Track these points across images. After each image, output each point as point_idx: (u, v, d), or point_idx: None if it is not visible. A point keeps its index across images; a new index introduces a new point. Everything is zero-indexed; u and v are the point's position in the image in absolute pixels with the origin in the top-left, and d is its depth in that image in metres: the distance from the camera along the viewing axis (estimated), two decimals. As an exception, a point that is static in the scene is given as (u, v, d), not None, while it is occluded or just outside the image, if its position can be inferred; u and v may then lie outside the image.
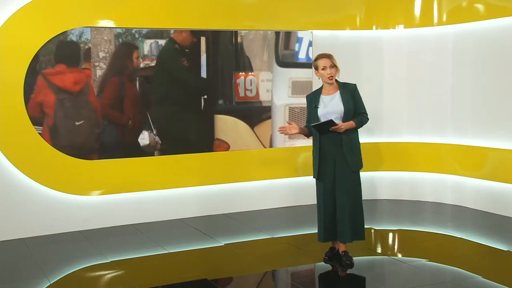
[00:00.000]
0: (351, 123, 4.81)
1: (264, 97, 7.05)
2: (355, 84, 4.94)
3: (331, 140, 4.83)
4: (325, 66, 4.82)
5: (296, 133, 4.99)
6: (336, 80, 4.90)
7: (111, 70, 6.30)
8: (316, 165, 4.90)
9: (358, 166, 4.90)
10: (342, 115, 4.82)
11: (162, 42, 6.52)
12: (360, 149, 4.94)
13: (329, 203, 4.90)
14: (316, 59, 4.90)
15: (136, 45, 6.40)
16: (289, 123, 5.01)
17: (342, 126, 4.76)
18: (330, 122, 4.72)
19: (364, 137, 6.62)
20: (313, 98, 4.94)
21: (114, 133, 6.35)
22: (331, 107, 4.83)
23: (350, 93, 4.86)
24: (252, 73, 6.99)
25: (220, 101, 6.85)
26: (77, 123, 6.10)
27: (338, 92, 4.86)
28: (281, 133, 5.03)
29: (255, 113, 7.02)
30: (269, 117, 7.09)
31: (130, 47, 6.39)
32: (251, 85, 6.99)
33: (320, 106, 4.86)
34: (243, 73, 6.95)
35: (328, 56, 4.84)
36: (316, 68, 4.89)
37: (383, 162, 7.48)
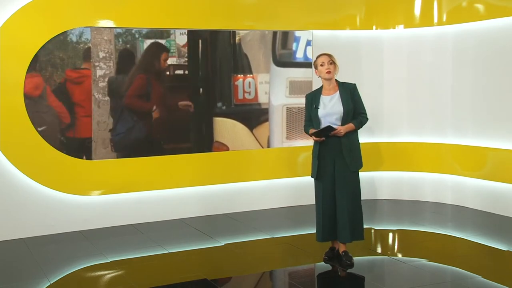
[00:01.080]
0: (350, 126, 4.81)
1: (263, 99, 7.04)
2: (354, 84, 4.94)
3: (330, 142, 4.83)
4: (323, 62, 4.85)
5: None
6: (335, 80, 4.90)
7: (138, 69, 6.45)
8: (315, 166, 4.91)
9: (358, 166, 4.90)
10: (342, 115, 4.82)
11: (162, 42, 6.52)
12: (360, 149, 4.95)
13: (328, 203, 4.90)
14: (316, 57, 4.94)
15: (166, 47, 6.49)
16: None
17: (342, 130, 4.77)
18: (329, 128, 4.71)
19: (364, 137, 6.61)
20: (313, 98, 4.95)
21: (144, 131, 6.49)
22: (330, 108, 4.83)
23: (349, 92, 4.86)
24: (251, 75, 6.97)
25: (219, 104, 6.84)
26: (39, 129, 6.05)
27: (337, 93, 4.87)
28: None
29: (254, 115, 7.02)
30: (268, 119, 7.08)
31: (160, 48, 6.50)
32: (249, 87, 6.98)
33: (320, 107, 4.87)
34: (242, 75, 6.94)
35: (328, 54, 4.88)
36: (316, 67, 4.91)
37: (383, 162, 7.48)
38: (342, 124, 4.82)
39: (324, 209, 4.91)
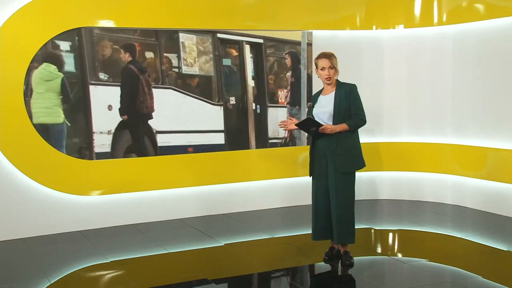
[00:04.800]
0: (343, 126, 4.76)
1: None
2: (354, 85, 4.90)
3: (324, 141, 4.82)
4: (323, 67, 4.81)
5: (294, 129, 5.01)
6: (336, 80, 4.89)
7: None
8: (310, 164, 4.93)
9: (349, 168, 4.84)
10: (332, 115, 4.78)
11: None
12: (360, 150, 4.91)
13: (321, 202, 4.90)
14: (317, 57, 4.88)
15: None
16: (290, 119, 5.00)
17: (329, 127, 4.72)
18: (310, 120, 4.72)
19: (364, 137, 6.60)
20: (315, 97, 4.98)
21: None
22: (322, 107, 4.84)
23: (345, 93, 4.81)
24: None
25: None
26: None
27: (333, 92, 4.85)
28: (281, 127, 5.04)
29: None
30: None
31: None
32: None
33: (316, 106, 4.89)
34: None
35: (328, 57, 4.81)
36: (316, 67, 4.89)
37: (383, 162, 7.48)
38: (334, 124, 4.78)
39: (316, 209, 4.93)
